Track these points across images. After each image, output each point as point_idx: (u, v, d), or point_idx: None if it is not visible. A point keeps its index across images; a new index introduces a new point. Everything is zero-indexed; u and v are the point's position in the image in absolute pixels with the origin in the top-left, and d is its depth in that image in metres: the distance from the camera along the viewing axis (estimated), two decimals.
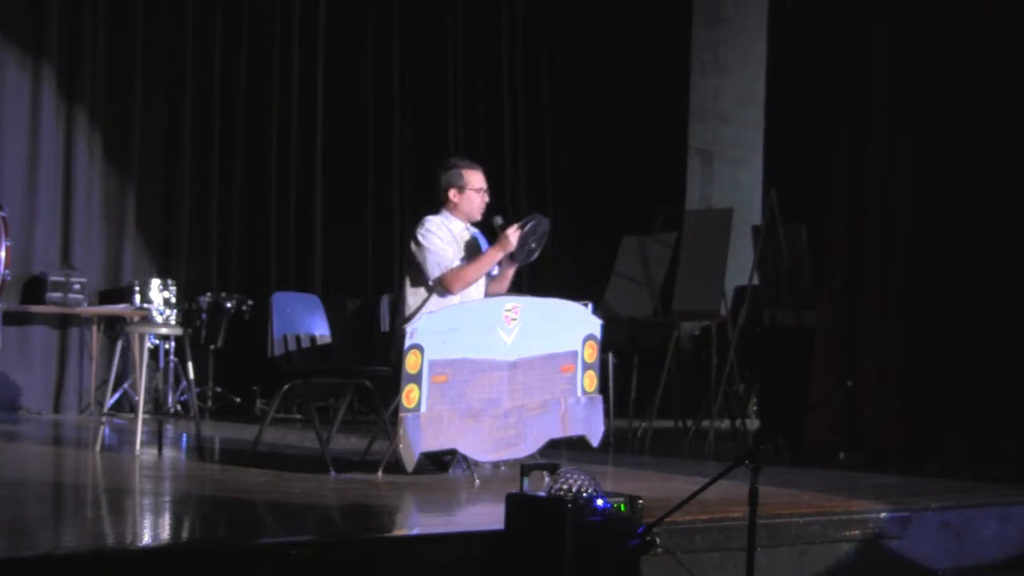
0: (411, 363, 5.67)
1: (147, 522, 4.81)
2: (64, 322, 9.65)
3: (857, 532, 5.14)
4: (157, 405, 9.21)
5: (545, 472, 4.45)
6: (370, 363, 6.52)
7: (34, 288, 9.41)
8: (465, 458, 6.15)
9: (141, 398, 7.31)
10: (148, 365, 9.09)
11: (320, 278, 10.69)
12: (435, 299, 6.15)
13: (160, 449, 6.96)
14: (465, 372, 5.82)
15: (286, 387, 6.54)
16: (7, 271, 7.85)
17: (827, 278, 7.67)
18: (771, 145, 12.09)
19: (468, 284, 6.17)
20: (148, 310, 9.43)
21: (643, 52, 11.95)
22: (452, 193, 6.33)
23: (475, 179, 6.36)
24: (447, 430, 5.79)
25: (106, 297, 9.88)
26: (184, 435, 8.13)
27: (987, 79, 7.25)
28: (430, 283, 6.17)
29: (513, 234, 6.16)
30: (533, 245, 6.28)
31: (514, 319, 5.97)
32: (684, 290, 8.57)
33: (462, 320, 5.87)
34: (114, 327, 9.64)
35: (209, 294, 9.76)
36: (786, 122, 11.71)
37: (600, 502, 4.21)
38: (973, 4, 7.34)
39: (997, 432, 7.05)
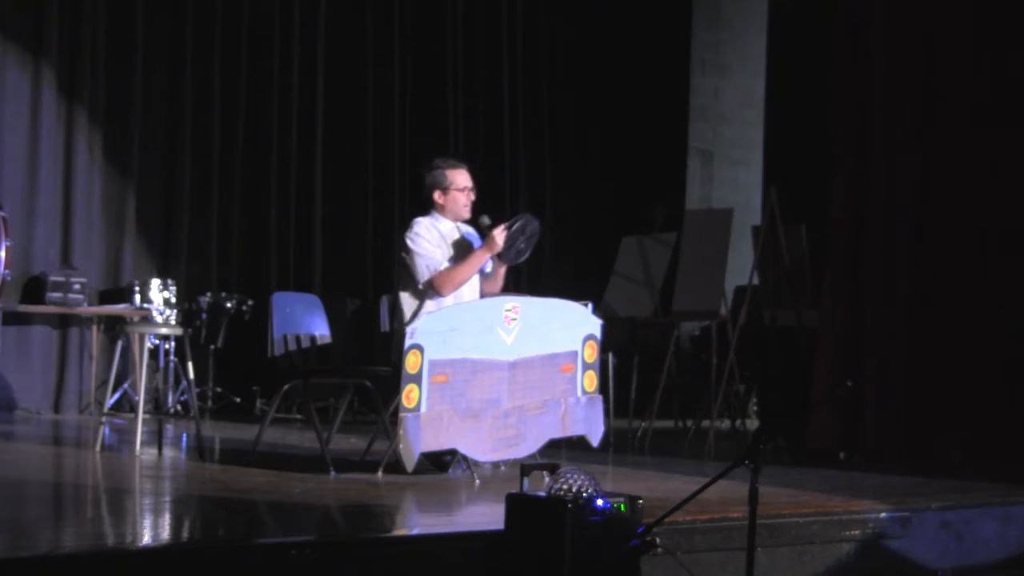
0: (411, 363, 5.67)
1: (147, 522, 4.81)
2: (64, 322, 9.65)
3: (857, 532, 5.14)
4: (157, 405, 9.21)
5: (545, 472, 4.45)
6: (370, 363, 6.53)
7: (34, 288, 9.40)
8: (465, 458, 6.15)
9: (141, 398, 7.31)
10: (148, 365, 9.10)
11: (320, 278, 10.69)
12: (430, 302, 6.15)
13: (160, 449, 6.95)
14: (465, 372, 5.82)
15: (286, 387, 6.54)
16: (7, 271, 7.86)
17: (827, 278, 7.67)
18: (771, 145, 12.10)
19: (458, 285, 6.17)
20: (148, 310, 9.44)
21: (643, 52, 11.96)
22: (437, 194, 6.32)
23: (459, 179, 6.35)
24: (447, 430, 5.79)
25: (106, 297, 9.88)
26: (184, 435, 8.13)
27: (987, 79, 7.25)
28: (420, 287, 6.17)
29: (499, 235, 6.15)
30: (522, 246, 6.27)
31: (514, 319, 5.97)
32: (684, 290, 8.57)
33: (462, 320, 5.87)
34: (114, 327, 9.64)
35: (209, 294, 9.76)
36: (786, 122, 11.72)
37: (600, 502, 4.21)
38: (973, 4, 7.34)
39: (997, 432, 7.05)
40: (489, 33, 11.75)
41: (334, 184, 10.90)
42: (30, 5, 9.60)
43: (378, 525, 4.96)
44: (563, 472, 4.30)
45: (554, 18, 12.07)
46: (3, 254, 7.72)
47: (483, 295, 6.38)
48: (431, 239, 6.21)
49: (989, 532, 5.55)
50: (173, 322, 9.46)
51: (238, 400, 9.95)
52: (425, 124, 11.36)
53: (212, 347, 9.68)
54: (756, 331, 8.57)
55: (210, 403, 9.74)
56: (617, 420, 8.53)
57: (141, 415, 6.99)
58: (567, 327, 6.23)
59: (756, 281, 8.47)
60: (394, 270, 6.39)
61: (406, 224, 6.38)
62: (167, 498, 5.56)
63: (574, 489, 4.21)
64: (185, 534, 4.67)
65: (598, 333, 6.33)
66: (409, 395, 5.67)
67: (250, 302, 9.71)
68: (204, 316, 9.61)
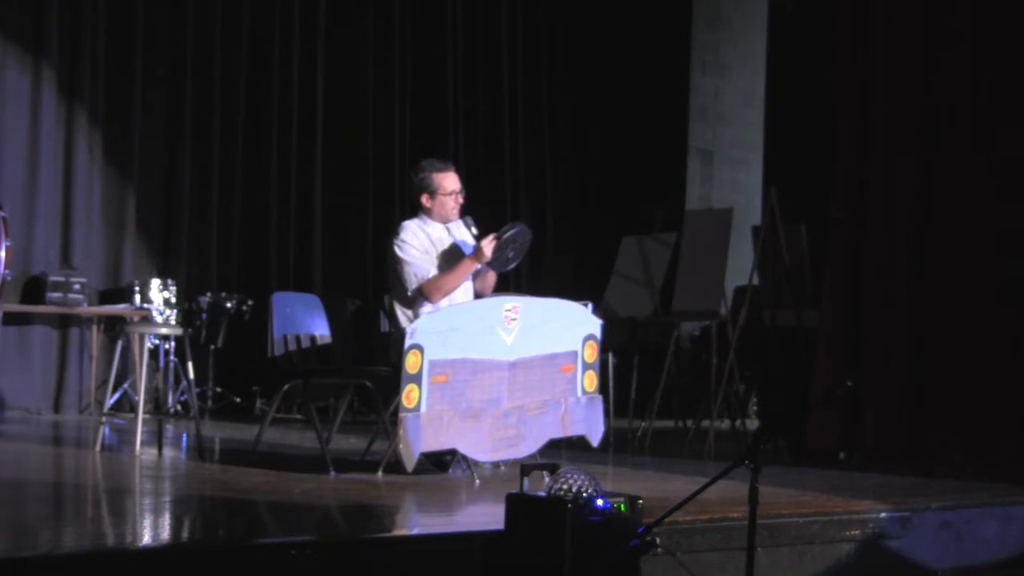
0: (411, 363, 5.67)
1: (147, 522, 4.81)
2: (64, 322, 9.65)
3: (857, 532, 5.14)
4: (157, 405, 9.20)
5: (545, 472, 4.45)
6: (370, 363, 6.52)
7: (34, 288, 9.40)
8: (465, 458, 6.15)
9: (141, 398, 7.31)
10: (148, 365, 9.10)
11: (320, 278, 10.69)
12: (426, 305, 6.15)
13: (160, 449, 6.95)
14: (465, 372, 5.82)
15: (286, 387, 6.54)
16: (7, 271, 7.84)
17: (827, 278, 7.67)
18: (771, 145, 12.10)
19: (447, 293, 6.16)
20: (148, 310, 9.44)
21: (643, 52, 11.96)
22: (424, 198, 6.32)
23: (446, 182, 6.33)
24: (447, 430, 5.79)
25: (106, 297, 9.88)
26: (184, 435, 8.13)
27: (988, 79, 7.25)
28: (409, 294, 6.18)
29: (488, 245, 6.14)
30: (511, 255, 6.26)
31: (514, 319, 5.97)
32: (684, 290, 8.57)
33: (462, 320, 5.87)
34: (114, 327, 9.64)
35: (209, 294, 9.76)
36: (786, 122, 11.72)
37: (600, 502, 4.21)
38: (974, 4, 7.34)
39: (998, 432, 7.05)
40: (489, 33, 11.75)
41: (334, 184, 10.90)
42: (30, 5, 9.60)
43: (378, 525, 4.96)
44: (563, 472, 4.30)
45: (554, 18, 12.07)
46: (3, 254, 7.70)
47: (476, 293, 6.39)
48: (419, 245, 6.20)
49: (989, 532, 5.55)
50: (173, 322, 9.46)
51: (238, 400, 9.95)
52: (425, 124, 11.36)
53: (212, 347, 9.68)
54: (756, 331, 8.57)
55: (210, 403, 9.74)
56: (617, 420, 8.53)
57: (141, 415, 6.99)
58: (567, 327, 6.23)
59: (756, 281, 8.47)
60: (388, 278, 6.38)
61: (396, 228, 6.35)
62: (167, 498, 5.55)
63: (574, 489, 4.21)
64: (185, 534, 4.67)
65: (598, 333, 6.33)
66: (409, 395, 5.67)
67: (250, 302, 9.72)
68: (204, 316, 9.61)
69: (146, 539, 4.38)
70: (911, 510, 5.34)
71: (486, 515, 4.95)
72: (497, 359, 5.92)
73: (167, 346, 9.45)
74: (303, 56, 10.80)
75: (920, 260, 7.38)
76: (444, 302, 6.15)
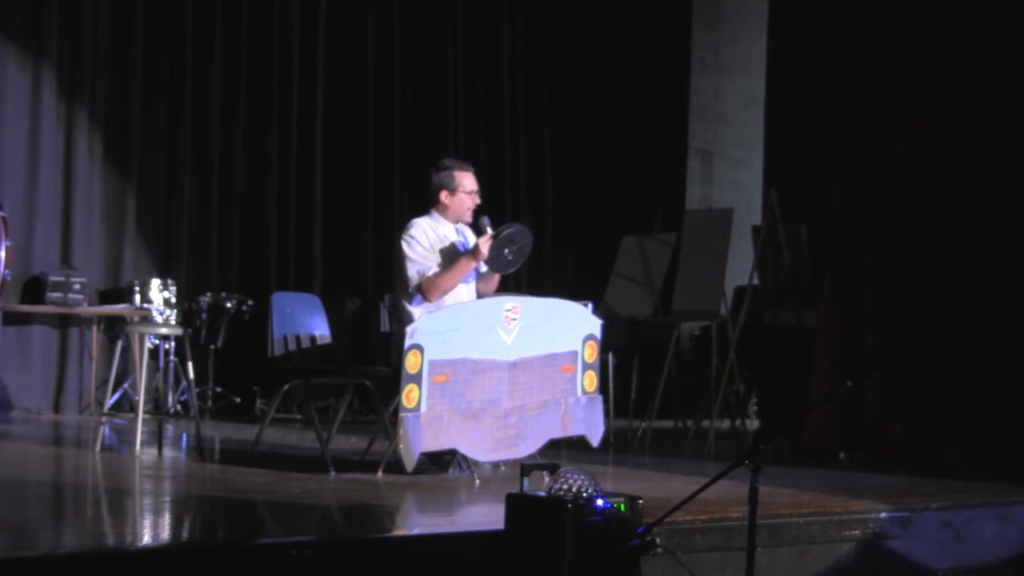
0: (411, 363, 5.67)
1: (147, 522, 4.81)
2: (64, 322, 9.65)
3: (857, 532, 5.14)
4: (157, 405, 9.20)
5: (545, 472, 4.45)
6: (370, 363, 6.52)
7: (34, 288, 9.40)
8: (465, 458, 6.15)
9: (141, 398, 7.31)
10: (148, 365, 9.10)
11: (320, 278, 10.69)
12: (424, 304, 6.15)
13: (160, 449, 6.95)
14: (465, 372, 5.82)
15: (286, 387, 6.54)
16: (7, 271, 7.84)
17: (827, 278, 7.67)
18: (771, 145, 12.10)
19: (445, 292, 6.16)
20: (148, 310, 9.43)
21: (643, 52, 11.96)
22: (444, 195, 6.33)
23: (466, 181, 6.36)
24: (447, 430, 5.79)
25: (106, 297, 9.88)
26: (184, 435, 8.13)
27: (987, 79, 7.25)
28: (409, 290, 6.18)
29: (484, 244, 6.14)
30: (511, 257, 6.26)
31: (514, 319, 5.97)
32: (684, 290, 8.57)
33: (462, 320, 5.87)
34: (114, 327, 9.63)
35: (209, 294, 9.76)
36: (786, 122, 11.72)
37: (600, 502, 4.21)
38: (973, 4, 7.34)
39: (997, 432, 7.05)
40: (489, 33, 11.75)
41: (334, 184, 10.90)
42: (30, 5, 9.60)
43: (378, 525, 4.96)
44: (563, 472, 4.30)
45: (554, 18, 12.06)
46: (3, 254, 7.71)
47: (479, 295, 6.39)
48: (426, 243, 6.21)
49: (989, 532, 5.55)
50: (173, 322, 9.46)
51: (238, 400, 9.95)
52: (425, 124, 11.37)
53: (212, 347, 9.68)
54: (756, 331, 8.57)
55: (210, 403, 9.75)
56: (617, 420, 8.53)
57: (141, 415, 6.99)
58: (567, 327, 6.23)
59: (756, 281, 8.47)
60: (394, 270, 6.39)
61: (405, 225, 6.38)
62: (167, 498, 5.55)
63: (574, 489, 4.21)
64: (185, 534, 4.67)
65: (598, 333, 6.33)
66: (409, 395, 5.67)
67: (250, 302, 9.71)
68: (204, 316, 9.61)
69: (146, 539, 4.38)
70: (911, 510, 5.34)
71: (486, 515, 4.95)
72: (497, 359, 5.92)
73: (167, 346, 9.44)
74: (303, 56, 10.80)
75: (920, 260, 7.38)
76: (449, 299, 6.15)
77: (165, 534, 4.56)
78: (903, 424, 7.30)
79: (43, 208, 9.57)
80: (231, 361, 9.91)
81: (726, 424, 9.24)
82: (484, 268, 6.36)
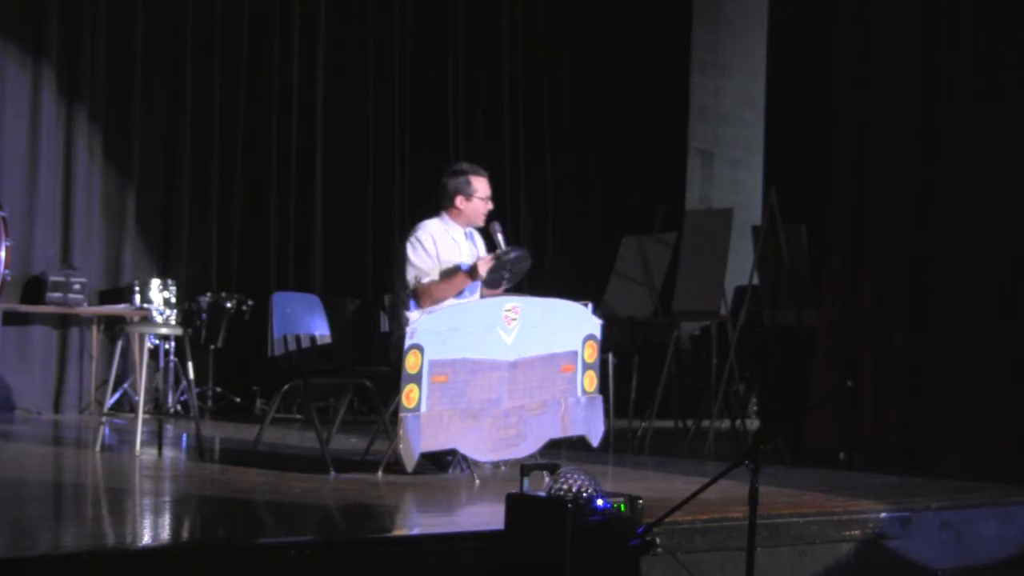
0: (411, 363, 5.67)
1: (147, 522, 4.81)
2: (64, 322, 9.65)
3: (857, 532, 5.14)
4: (157, 405, 9.20)
5: (545, 472, 4.45)
6: (370, 363, 6.52)
7: (34, 288, 9.40)
8: (465, 458, 6.15)
9: (141, 398, 7.31)
10: (148, 365, 9.10)
11: (320, 278, 10.69)
12: (416, 309, 6.16)
13: (160, 449, 6.96)
14: (465, 372, 5.82)
15: (286, 387, 6.54)
16: (7, 271, 7.85)
17: (827, 278, 7.67)
18: (771, 145, 12.10)
19: (437, 302, 6.16)
20: (148, 310, 9.43)
21: (643, 52, 11.96)
22: (459, 199, 6.32)
23: (482, 187, 6.36)
24: (447, 430, 5.79)
25: (106, 297, 9.88)
26: (184, 435, 8.13)
27: (987, 79, 7.25)
28: (407, 292, 6.19)
29: (484, 266, 6.16)
30: (507, 275, 6.28)
31: (514, 319, 5.97)
32: (684, 290, 8.57)
33: (462, 320, 5.87)
34: (114, 327, 9.64)
35: (209, 294, 9.76)
36: (786, 122, 11.72)
37: (600, 502, 4.21)
38: (973, 5, 7.34)
39: (997, 432, 7.05)
40: (489, 33, 11.75)
41: (334, 184, 10.90)
42: (30, 5, 9.60)
43: (378, 525, 4.96)
44: (563, 472, 4.30)
45: (554, 18, 12.06)
46: (3, 254, 7.71)
47: (483, 297, 6.39)
48: (431, 250, 6.20)
49: (989, 532, 5.55)
50: (173, 322, 9.46)
51: (238, 400, 9.95)
52: (425, 124, 11.37)
53: (212, 347, 9.68)
54: (756, 331, 8.57)
55: (210, 403, 9.75)
56: (617, 420, 8.53)
57: (141, 415, 6.99)
58: (567, 327, 6.23)
59: (756, 281, 8.47)
60: (394, 269, 6.40)
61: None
62: (167, 498, 5.55)
63: (574, 489, 4.21)
64: (185, 534, 4.67)
65: (598, 333, 6.33)
66: (409, 395, 5.67)
67: (250, 302, 9.71)
68: (204, 316, 9.61)
69: (146, 539, 4.38)
70: (911, 510, 5.34)
71: (486, 515, 4.95)
72: (497, 359, 5.92)
73: (167, 346, 9.45)
74: (303, 56, 10.80)
75: (919, 260, 7.38)
76: (451, 299, 6.16)
77: (165, 534, 4.56)
78: (903, 424, 7.30)
79: (43, 208, 9.57)
80: (231, 361, 9.91)
81: (726, 424, 9.24)
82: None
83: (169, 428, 8.00)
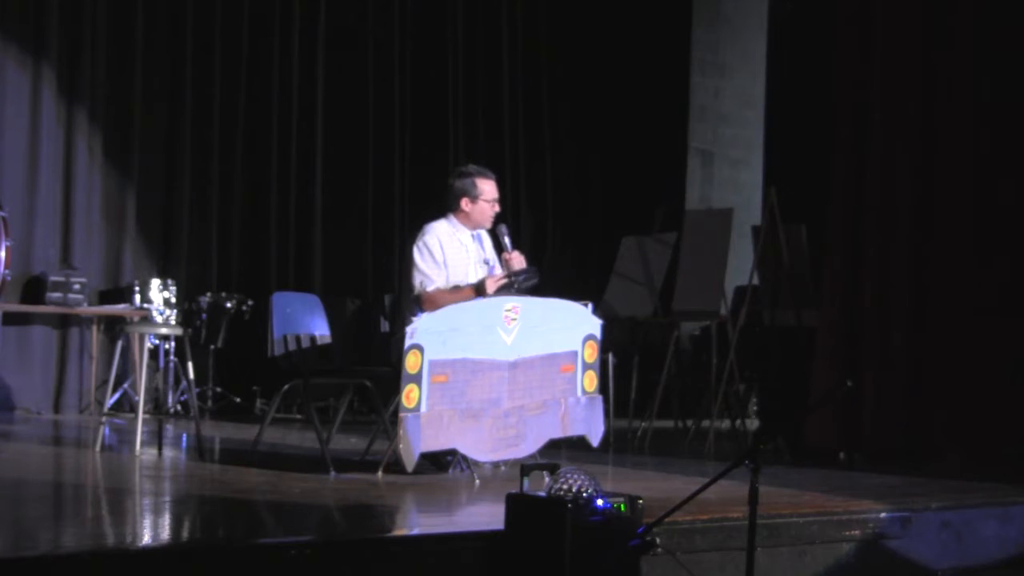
0: (411, 363, 5.67)
1: (147, 522, 4.81)
2: (64, 322, 9.65)
3: (857, 532, 5.14)
4: (157, 405, 9.20)
5: (545, 472, 4.45)
6: (370, 363, 6.52)
7: (34, 288, 9.40)
8: (465, 458, 6.15)
9: (141, 398, 7.31)
10: (148, 365, 9.09)
11: (320, 278, 10.69)
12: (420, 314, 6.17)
13: (160, 449, 6.95)
14: (465, 372, 5.82)
15: (286, 387, 6.54)
16: (7, 271, 7.85)
17: (827, 278, 7.67)
18: (771, 145, 12.10)
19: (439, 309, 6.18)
20: (148, 310, 9.43)
21: (643, 52, 11.96)
22: (464, 202, 6.33)
23: (488, 190, 6.37)
24: (447, 430, 5.79)
25: (106, 297, 9.87)
26: (184, 435, 8.13)
27: (987, 79, 7.25)
28: (412, 296, 6.20)
29: (492, 285, 6.20)
30: (513, 292, 6.30)
31: (514, 319, 5.97)
32: (684, 290, 8.57)
33: (462, 320, 5.87)
34: (114, 327, 9.63)
35: (209, 294, 9.76)
36: (786, 122, 11.72)
37: (600, 502, 4.21)
38: (973, 5, 7.34)
39: (997, 432, 7.05)
40: (489, 34, 11.75)
41: (334, 184, 10.90)
42: (30, 5, 9.60)
43: (378, 525, 4.96)
44: (563, 472, 4.30)
45: (554, 18, 12.07)
46: (3, 254, 7.72)
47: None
48: (438, 256, 6.21)
49: (989, 532, 5.55)
50: (173, 322, 9.46)
51: (238, 400, 9.95)
52: (425, 124, 11.37)
53: (212, 347, 9.68)
54: (756, 331, 8.57)
55: (210, 403, 9.74)
56: (617, 420, 8.53)
57: (141, 415, 6.99)
58: (567, 327, 6.23)
59: (756, 281, 8.47)
60: (395, 269, 6.41)
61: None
62: (167, 498, 5.55)
63: (574, 489, 4.21)
64: (185, 534, 4.67)
65: (598, 333, 6.34)
66: (409, 395, 5.67)
67: (250, 302, 9.71)
68: (204, 316, 9.61)
69: (146, 539, 4.38)
70: (911, 510, 5.34)
71: (486, 515, 4.95)
72: (497, 359, 5.92)
73: (167, 346, 9.45)
74: (303, 56, 10.80)
75: (919, 260, 7.38)
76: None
77: (165, 534, 4.56)
78: (903, 424, 7.30)
79: (43, 208, 9.57)
80: (231, 361, 9.91)
81: (726, 424, 9.24)
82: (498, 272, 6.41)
83: (169, 428, 8.00)
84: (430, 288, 6.17)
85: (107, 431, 7.46)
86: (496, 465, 6.45)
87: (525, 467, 4.47)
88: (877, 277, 7.44)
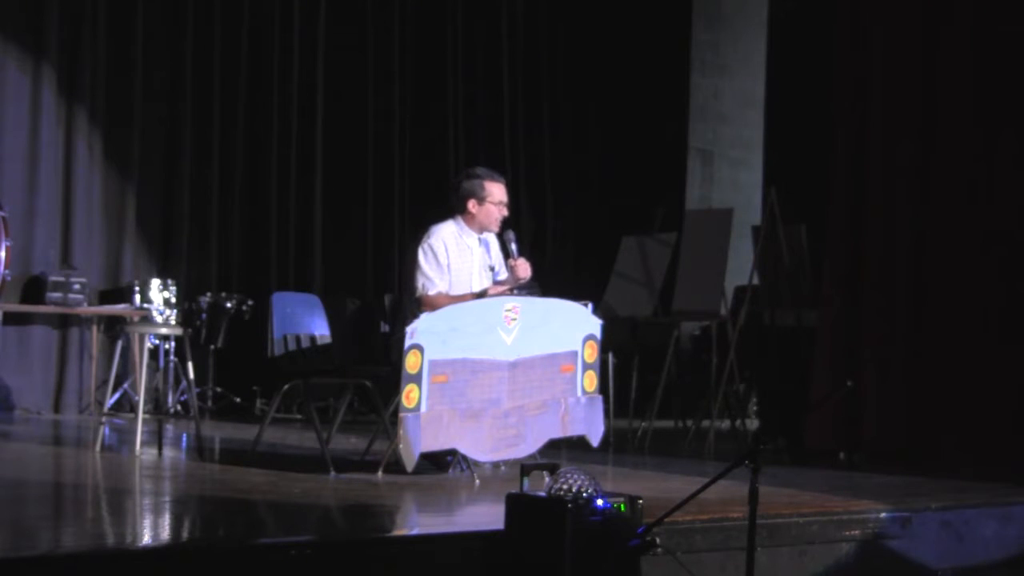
0: (411, 363, 5.66)
1: (147, 522, 4.81)
2: (64, 322, 9.65)
3: (857, 532, 5.14)
4: (157, 405, 9.20)
5: (545, 472, 4.45)
6: (370, 363, 6.52)
7: (34, 288, 9.40)
8: (465, 458, 6.15)
9: (141, 398, 7.32)
10: (148, 365, 9.10)
11: (320, 278, 10.69)
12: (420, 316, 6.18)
13: (160, 449, 6.95)
14: (465, 372, 5.82)
15: (286, 387, 6.54)
16: (7, 271, 7.85)
17: (827, 278, 7.67)
18: (771, 145, 12.10)
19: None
20: (148, 310, 9.43)
21: (643, 52, 11.96)
22: (471, 203, 6.33)
23: (496, 192, 6.36)
24: (447, 430, 5.79)
25: (106, 297, 9.87)
26: (184, 435, 8.13)
27: (987, 79, 7.25)
28: (414, 297, 6.20)
29: (495, 293, 6.20)
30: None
31: (514, 319, 5.97)
32: (684, 290, 8.57)
33: (462, 320, 5.87)
34: (114, 327, 9.64)
35: (209, 294, 9.76)
36: (786, 122, 11.72)
37: (600, 502, 4.21)
38: (973, 5, 7.34)
39: (997, 432, 7.05)
40: (489, 34, 11.75)
41: (334, 184, 10.89)
42: (30, 5, 9.60)
43: (378, 525, 4.96)
44: (563, 472, 4.30)
45: (554, 18, 12.07)
46: (3, 254, 7.72)
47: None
48: (443, 259, 6.21)
49: (989, 532, 5.55)
50: (173, 322, 9.46)
51: (238, 400, 9.95)
52: (425, 124, 11.36)
53: (212, 347, 9.68)
54: (756, 331, 8.57)
55: (210, 403, 9.74)
56: (617, 420, 8.53)
57: (141, 415, 6.99)
58: (567, 327, 6.23)
59: (756, 281, 8.47)
60: (395, 269, 6.41)
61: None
62: (167, 498, 5.55)
63: (574, 489, 4.21)
64: (185, 534, 4.67)
65: (598, 333, 6.33)
66: (409, 395, 5.67)
67: (250, 302, 9.71)
68: (204, 316, 9.60)
69: (146, 539, 4.38)
70: (911, 510, 5.34)
71: (486, 515, 4.95)
72: (497, 359, 5.92)
73: (167, 346, 9.45)
74: (303, 56, 10.80)
75: (919, 260, 7.38)
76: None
77: (165, 534, 4.56)
78: (903, 424, 7.30)
79: (43, 208, 9.57)
80: (231, 361, 9.91)
81: (726, 424, 9.24)
82: (502, 275, 6.44)
83: (169, 428, 8.01)
84: (432, 292, 6.17)
85: (107, 431, 7.46)
86: (496, 465, 6.45)
87: (525, 467, 4.47)
88: (877, 277, 7.45)
